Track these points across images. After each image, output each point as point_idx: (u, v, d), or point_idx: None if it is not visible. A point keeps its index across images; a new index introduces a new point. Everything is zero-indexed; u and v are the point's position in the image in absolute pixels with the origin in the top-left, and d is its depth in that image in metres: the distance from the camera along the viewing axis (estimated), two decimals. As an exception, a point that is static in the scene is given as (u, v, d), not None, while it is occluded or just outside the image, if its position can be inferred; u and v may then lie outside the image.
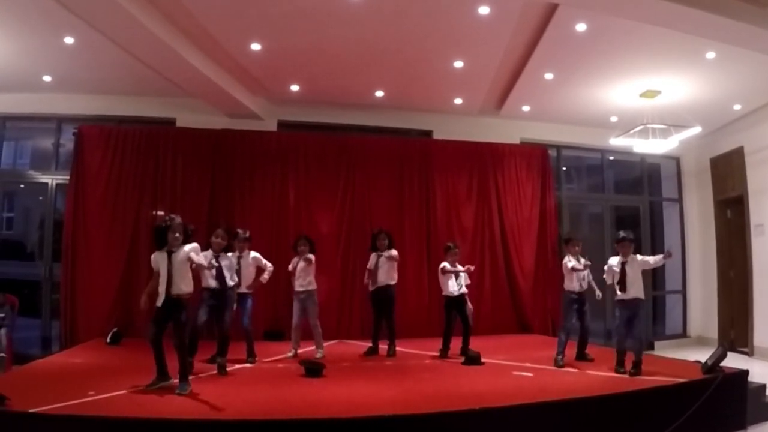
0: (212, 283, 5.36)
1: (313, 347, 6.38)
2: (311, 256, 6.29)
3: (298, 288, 6.28)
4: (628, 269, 5.42)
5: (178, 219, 4.53)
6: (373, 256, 6.61)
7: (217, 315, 5.33)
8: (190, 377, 4.54)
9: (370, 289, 6.59)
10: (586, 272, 6.08)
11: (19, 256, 9.11)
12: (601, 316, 9.22)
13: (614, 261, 5.54)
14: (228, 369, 5.29)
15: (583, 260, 6.06)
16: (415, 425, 3.78)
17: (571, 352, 6.04)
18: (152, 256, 4.61)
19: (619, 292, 5.43)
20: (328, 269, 7.73)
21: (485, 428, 3.90)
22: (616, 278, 5.46)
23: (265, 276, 6.18)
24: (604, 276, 5.70)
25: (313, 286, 6.32)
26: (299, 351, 6.30)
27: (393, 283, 6.55)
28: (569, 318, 6.04)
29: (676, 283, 10.21)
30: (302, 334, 6.40)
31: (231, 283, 5.47)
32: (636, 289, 5.42)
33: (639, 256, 5.58)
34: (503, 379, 5.19)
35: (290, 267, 6.41)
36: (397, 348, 6.53)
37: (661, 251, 9.82)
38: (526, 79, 7.66)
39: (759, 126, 8.52)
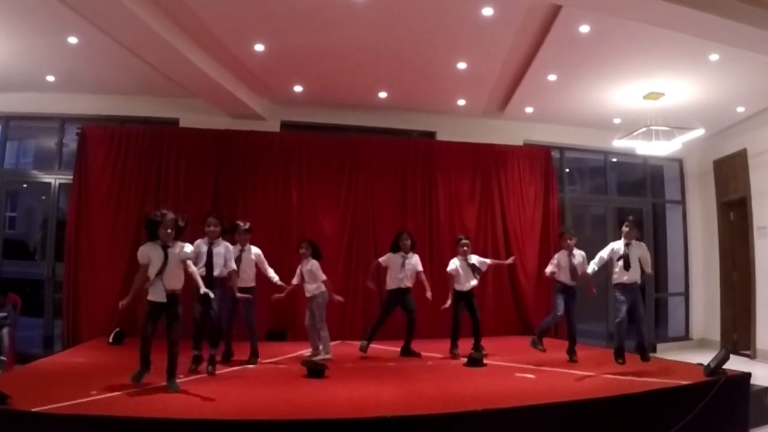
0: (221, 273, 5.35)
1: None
2: (312, 267, 6.18)
3: (306, 294, 6.26)
4: (631, 251, 5.58)
5: (170, 215, 4.46)
6: (396, 257, 6.48)
7: (206, 306, 5.16)
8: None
9: (391, 287, 6.46)
10: (578, 264, 6.10)
11: (21, 255, 9.14)
12: (602, 317, 9.21)
13: (618, 244, 5.69)
14: (230, 369, 5.29)
15: (578, 254, 6.14)
16: (417, 426, 3.77)
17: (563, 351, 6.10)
18: (142, 248, 4.49)
19: (619, 273, 5.55)
20: (330, 270, 7.69)
21: (487, 430, 3.90)
22: (616, 256, 5.59)
23: (276, 280, 6.13)
24: (593, 262, 5.76)
25: (321, 290, 6.19)
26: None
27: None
28: (556, 304, 6.06)
29: (678, 285, 10.20)
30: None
31: (223, 271, 5.40)
32: (635, 273, 5.56)
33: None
34: (505, 381, 5.19)
35: (295, 281, 6.28)
36: (397, 349, 6.54)
37: (664, 253, 9.99)
38: (529, 80, 7.65)
39: (762, 128, 8.51)
